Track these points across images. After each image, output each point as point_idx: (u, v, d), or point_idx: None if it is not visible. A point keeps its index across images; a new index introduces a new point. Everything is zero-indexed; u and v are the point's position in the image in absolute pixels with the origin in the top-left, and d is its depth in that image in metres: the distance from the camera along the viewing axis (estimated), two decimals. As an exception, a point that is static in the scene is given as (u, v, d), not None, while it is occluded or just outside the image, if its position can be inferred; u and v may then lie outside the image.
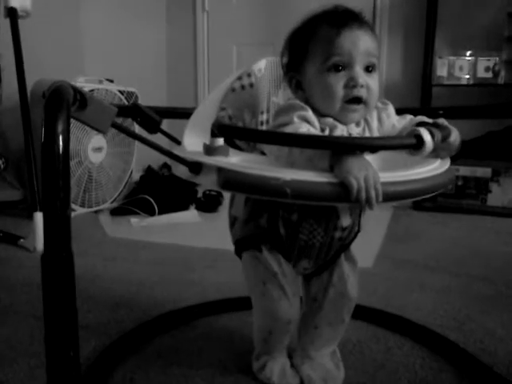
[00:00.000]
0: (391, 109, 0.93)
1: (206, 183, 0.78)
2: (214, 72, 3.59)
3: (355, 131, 0.88)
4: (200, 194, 2.83)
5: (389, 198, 0.71)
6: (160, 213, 2.57)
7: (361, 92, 0.83)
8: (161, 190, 2.71)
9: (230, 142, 0.88)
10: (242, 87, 1.01)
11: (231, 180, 0.73)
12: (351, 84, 0.83)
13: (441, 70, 2.69)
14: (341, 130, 0.85)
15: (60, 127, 0.61)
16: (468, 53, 2.70)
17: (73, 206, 2.51)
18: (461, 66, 2.68)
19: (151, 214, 2.57)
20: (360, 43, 0.83)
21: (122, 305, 1.43)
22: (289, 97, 0.97)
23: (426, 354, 1.18)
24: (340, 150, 0.73)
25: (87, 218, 2.53)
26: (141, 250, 2.01)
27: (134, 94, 2.76)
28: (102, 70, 2.80)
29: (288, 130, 0.79)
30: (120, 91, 2.67)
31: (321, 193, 0.70)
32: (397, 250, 2.02)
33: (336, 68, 0.83)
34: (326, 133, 0.84)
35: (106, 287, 1.58)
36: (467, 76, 2.70)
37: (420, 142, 0.74)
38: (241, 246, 1.00)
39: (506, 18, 2.65)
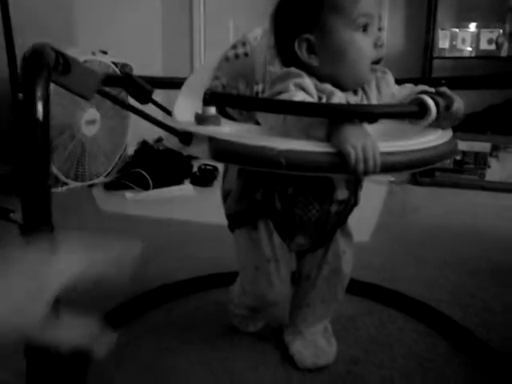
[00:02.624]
0: (390, 77, 0.89)
1: (197, 154, 0.75)
2: (210, 44, 3.52)
3: (353, 99, 0.84)
4: (195, 169, 2.79)
5: (387, 168, 0.68)
6: (154, 187, 2.53)
7: (382, 52, 0.81)
8: (155, 164, 2.67)
9: (223, 113, 0.85)
10: (237, 56, 0.97)
11: (223, 150, 0.69)
12: (379, 44, 0.80)
13: (443, 42, 2.64)
14: (338, 98, 0.81)
15: (39, 92, 0.57)
16: (471, 25, 2.63)
17: (66, 179, 2.48)
18: (463, 38, 2.62)
19: (146, 188, 2.54)
20: (375, 5, 0.81)
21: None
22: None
23: (420, 329, 1.17)
24: (338, 118, 0.69)
25: (80, 192, 2.49)
26: (134, 224, 1.98)
27: (128, 66, 2.70)
28: (95, 42, 2.72)
29: (283, 98, 0.75)
30: (114, 63, 2.61)
31: (317, 163, 0.66)
32: (393, 224, 2.00)
33: (365, 28, 0.79)
34: (324, 101, 0.80)
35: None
36: (469, 48, 2.64)
37: (423, 109, 0.70)
38: (234, 221, 0.97)
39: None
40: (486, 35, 2.59)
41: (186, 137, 0.75)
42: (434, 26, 2.64)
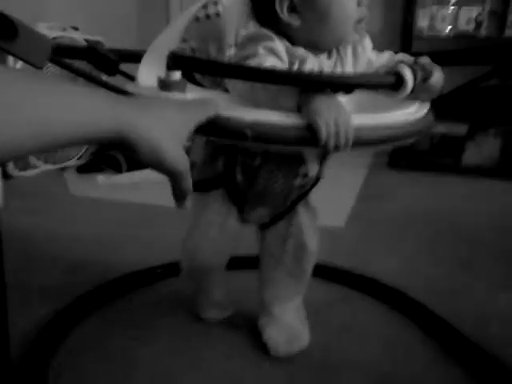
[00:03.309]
0: (368, 42, 0.83)
1: None
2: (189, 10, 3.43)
3: (327, 64, 0.79)
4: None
5: (360, 143, 0.63)
6: (128, 170, 2.46)
7: (364, 12, 0.76)
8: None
9: (190, 78, 0.79)
10: (207, 16, 0.90)
11: None
12: (362, 3, 0.75)
13: (422, 21, 2.58)
14: (311, 63, 0.76)
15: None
16: (451, 1, 2.58)
17: (36, 162, 2.39)
18: (443, 16, 2.57)
19: (119, 171, 2.46)
20: None
21: (80, 266, 1.35)
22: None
23: (394, 316, 1.15)
24: (309, 87, 0.64)
25: (51, 176, 2.41)
26: (105, 208, 1.92)
27: (100, 43, 2.61)
28: (65, 17, 2.62)
29: (252, 63, 0.69)
30: (86, 40, 2.51)
31: (285, 136, 0.62)
32: (369, 209, 1.97)
33: None
34: (295, 66, 0.75)
35: (66, 247, 1.49)
36: (449, 27, 2.59)
37: (400, 81, 0.66)
38: (195, 189, 0.93)
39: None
40: (465, 13, 2.54)
41: None
42: (414, 5, 2.58)
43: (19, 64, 2.15)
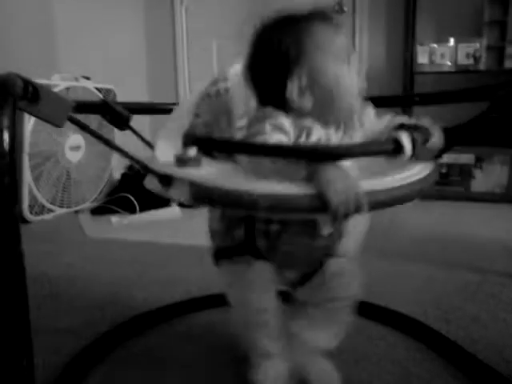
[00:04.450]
0: (370, 110, 0.88)
1: (178, 197, 0.75)
2: (195, 67, 3.54)
3: (334, 136, 0.83)
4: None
5: (370, 208, 0.68)
6: (141, 211, 2.52)
7: (363, 83, 0.83)
8: (142, 188, 2.65)
9: (205, 151, 0.85)
10: (218, 92, 0.96)
11: (202, 194, 0.70)
12: (361, 75, 0.82)
13: (422, 58, 2.67)
14: (318, 134, 0.81)
15: (5, 122, 0.57)
16: (449, 39, 2.68)
17: (51, 206, 2.47)
18: (442, 53, 2.66)
19: (132, 212, 2.53)
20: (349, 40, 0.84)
21: (99, 306, 1.39)
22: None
23: (409, 344, 1.16)
24: (312, 159, 0.69)
25: (67, 219, 2.48)
26: (121, 249, 1.97)
27: (111, 91, 2.71)
28: (77, 68, 2.73)
29: (259, 139, 0.75)
30: (97, 88, 2.62)
31: (295, 206, 0.67)
32: (380, 238, 2.00)
33: (343, 60, 0.81)
34: (303, 138, 0.80)
35: (83, 288, 1.54)
36: (449, 63, 2.67)
37: (399, 147, 0.70)
38: (218, 257, 0.96)
39: (486, 3, 2.63)
40: (463, 49, 2.63)
41: (166, 179, 0.75)
42: (412, 42, 2.68)
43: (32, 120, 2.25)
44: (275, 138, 0.75)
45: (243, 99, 0.95)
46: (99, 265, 1.77)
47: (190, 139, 0.74)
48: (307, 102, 0.81)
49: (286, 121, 0.79)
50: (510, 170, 2.62)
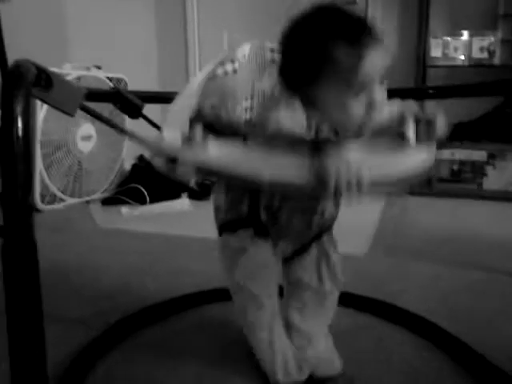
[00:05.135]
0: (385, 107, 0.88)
1: (185, 175, 0.75)
2: (205, 57, 3.53)
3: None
4: (193, 183, 2.78)
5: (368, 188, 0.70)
6: (151, 202, 2.53)
7: (377, 108, 0.79)
8: (152, 179, 2.66)
9: (211, 129, 0.84)
10: (225, 73, 0.96)
11: (210, 176, 0.71)
12: (372, 108, 0.78)
13: (435, 51, 2.64)
14: (327, 131, 0.82)
15: (19, 108, 0.57)
16: (463, 32, 2.64)
17: (63, 196, 2.47)
18: (455, 47, 2.63)
19: (143, 203, 2.53)
20: (379, 63, 0.77)
21: (109, 296, 1.39)
22: (275, 83, 0.91)
23: (418, 342, 1.15)
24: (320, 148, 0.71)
25: (77, 209, 2.49)
26: (131, 239, 1.97)
27: (122, 80, 2.71)
28: (89, 57, 2.73)
29: (272, 125, 0.77)
30: (108, 78, 2.62)
31: (301, 189, 0.70)
32: (390, 235, 1.99)
33: (358, 93, 0.77)
34: (312, 132, 0.81)
35: (93, 278, 1.54)
36: (462, 57, 2.64)
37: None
38: (222, 231, 0.98)
39: (501, -4, 2.59)
40: (478, 43, 2.60)
41: (174, 160, 0.75)
42: (426, 35, 2.64)
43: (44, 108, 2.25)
44: (286, 124, 0.77)
45: (251, 80, 0.95)
46: (109, 255, 1.77)
47: (197, 121, 0.73)
48: (311, 109, 0.81)
49: (299, 111, 0.80)
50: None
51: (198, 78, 0.96)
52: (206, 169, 0.72)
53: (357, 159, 0.70)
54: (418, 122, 0.75)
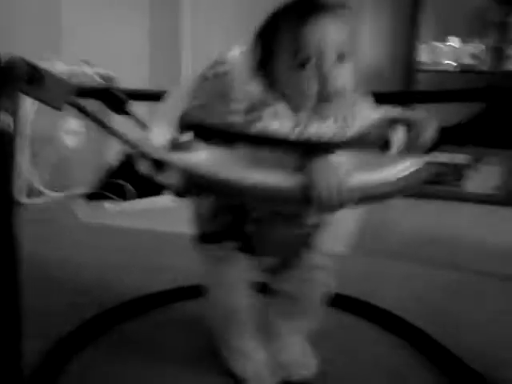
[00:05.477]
0: (370, 102, 0.89)
1: (169, 182, 0.76)
2: (199, 57, 3.53)
3: (332, 127, 0.84)
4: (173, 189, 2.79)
5: (354, 203, 0.71)
6: (136, 198, 2.53)
7: (333, 86, 0.79)
8: (137, 175, 2.66)
9: (197, 132, 0.86)
10: (216, 75, 0.97)
11: (192, 183, 0.73)
12: (323, 80, 0.78)
13: (425, 56, 2.66)
14: (316, 127, 0.81)
15: (6, 103, 0.58)
16: (453, 39, 2.67)
17: (46, 190, 2.46)
18: (445, 52, 2.66)
19: (127, 199, 2.53)
20: (328, 34, 0.78)
21: (88, 291, 1.40)
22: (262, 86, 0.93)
23: (393, 342, 1.17)
24: (308, 150, 0.72)
25: (61, 203, 2.47)
26: (113, 235, 1.97)
27: (111, 77, 2.70)
28: (80, 52, 2.72)
29: (258, 126, 0.77)
30: (98, 74, 2.61)
31: (282, 198, 0.70)
32: (373, 235, 2.01)
33: (305, 63, 0.78)
34: (300, 128, 0.81)
35: (73, 272, 1.54)
36: (452, 62, 2.67)
37: (386, 144, 0.73)
38: (203, 241, 0.98)
39: (491, 3, 2.62)
40: (467, 49, 2.62)
41: (158, 163, 0.76)
42: (415, 40, 2.66)
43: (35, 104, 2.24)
44: (274, 125, 0.77)
45: (242, 83, 0.97)
46: (91, 250, 1.77)
47: (185, 124, 0.74)
48: (275, 92, 0.83)
49: (284, 109, 0.80)
50: (504, 172, 2.63)
51: (189, 79, 0.97)
52: (191, 174, 0.72)
53: (342, 165, 0.71)
54: (407, 125, 0.76)
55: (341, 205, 0.69)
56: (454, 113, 2.51)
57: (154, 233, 2.00)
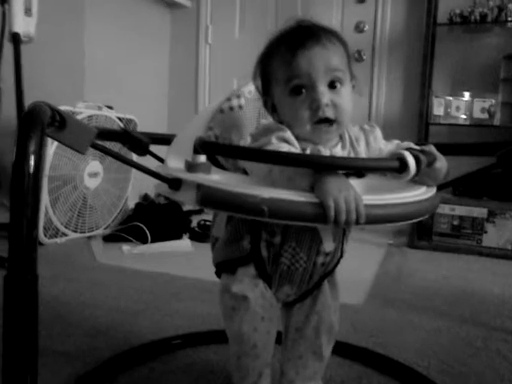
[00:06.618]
0: (378, 132, 0.91)
1: (185, 200, 0.77)
2: (215, 94, 3.62)
3: (340, 154, 0.87)
4: (194, 224, 2.81)
5: (369, 221, 0.69)
6: (153, 241, 2.54)
7: (327, 112, 0.82)
8: (155, 218, 2.69)
9: (213, 162, 0.87)
10: (231, 108, 1.01)
11: (209, 196, 0.71)
12: (314, 106, 0.81)
13: (438, 109, 2.71)
14: (324, 153, 0.84)
15: (32, 147, 0.60)
16: (465, 93, 2.73)
17: (65, 230, 2.50)
18: (457, 106, 2.70)
19: (144, 242, 2.55)
20: (318, 61, 0.81)
21: (103, 332, 1.40)
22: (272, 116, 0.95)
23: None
24: (321, 169, 0.71)
25: (79, 244, 2.51)
26: (130, 277, 1.98)
27: (132, 121, 2.78)
28: (102, 97, 2.82)
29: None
30: (119, 118, 2.68)
31: (298, 212, 0.68)
32: (389, 288, 1.99)
33: (296, 91, 0.82)
34: (307, 152, 0.83)
35: (89, 313, 1.55)
36: (464, 116, 2.71)
37: (403, 164, 0.72)
38: (221, 269, 0.96)
39: (502, 61, 2.68)
40: (479, 104, 2.67)
41: (175, 183, 0.77)
42: (428, 94, 2.72)
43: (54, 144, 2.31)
44: (285, 147, 0.78)
45: (256, 116, 1.01)
46: (107, 291, 1.78)
47: (200, 146, 0.76)
48: (276, 119, 0.89)
49: (291, 136, 0.82)
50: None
51: (205, 112, 1.00)
52: (207, 194, 0.72)
53: (356, 190, 0.70)
54: (419, 152, 0.76)
55: (355, 220, 0.68)
56: (465, 165, 2.53)
57: (170, 276, 2.00)
